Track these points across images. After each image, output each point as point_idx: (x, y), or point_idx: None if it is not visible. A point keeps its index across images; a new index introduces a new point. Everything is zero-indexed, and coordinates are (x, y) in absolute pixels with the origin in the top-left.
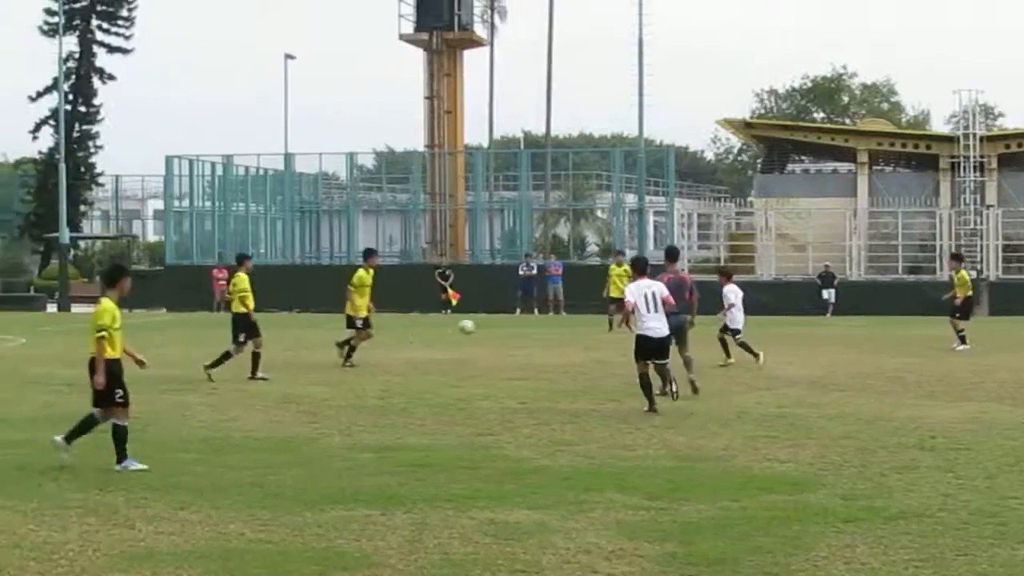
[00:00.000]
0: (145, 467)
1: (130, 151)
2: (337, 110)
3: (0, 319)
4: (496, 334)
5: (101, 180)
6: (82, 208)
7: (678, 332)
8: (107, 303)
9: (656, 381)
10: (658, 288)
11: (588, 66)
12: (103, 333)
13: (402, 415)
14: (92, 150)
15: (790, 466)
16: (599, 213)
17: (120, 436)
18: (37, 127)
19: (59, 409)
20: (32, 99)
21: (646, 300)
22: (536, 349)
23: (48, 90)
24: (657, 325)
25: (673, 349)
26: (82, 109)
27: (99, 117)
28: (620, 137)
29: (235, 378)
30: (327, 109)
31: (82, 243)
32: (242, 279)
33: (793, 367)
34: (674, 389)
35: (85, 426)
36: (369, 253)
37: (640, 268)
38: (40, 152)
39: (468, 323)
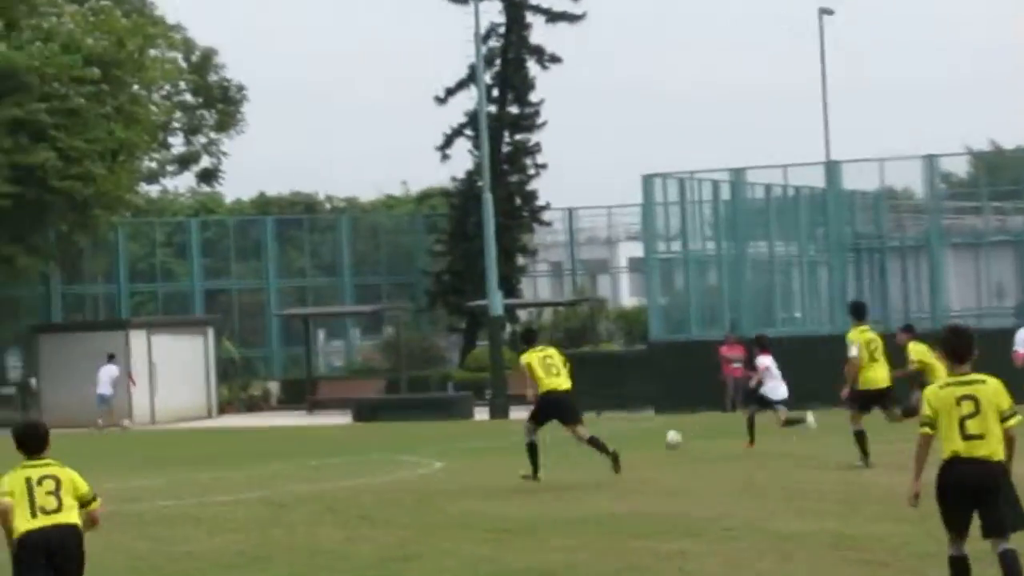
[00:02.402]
0: None
1: (588, 170)
2: (904, 87)
3: (407, 431)
4: None
5: (547, 216)
6: (520, 260)
7: None
8: None
9: None
10: None
11: None
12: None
13: None
14: (531, 171)
15: None
16: None
17: None
18: (447, 140)
19: (495, 566)
20: (440, 100)
21: None
22: None
23: (462, 85)
24: None
25: None
26: (513, 110)
27: (539, 121)
28: None
29: (758, 514)
30: (885, 89)
31: (522, 313)
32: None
33: None
34: None
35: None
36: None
37: None
38: (453, 178)
39: None
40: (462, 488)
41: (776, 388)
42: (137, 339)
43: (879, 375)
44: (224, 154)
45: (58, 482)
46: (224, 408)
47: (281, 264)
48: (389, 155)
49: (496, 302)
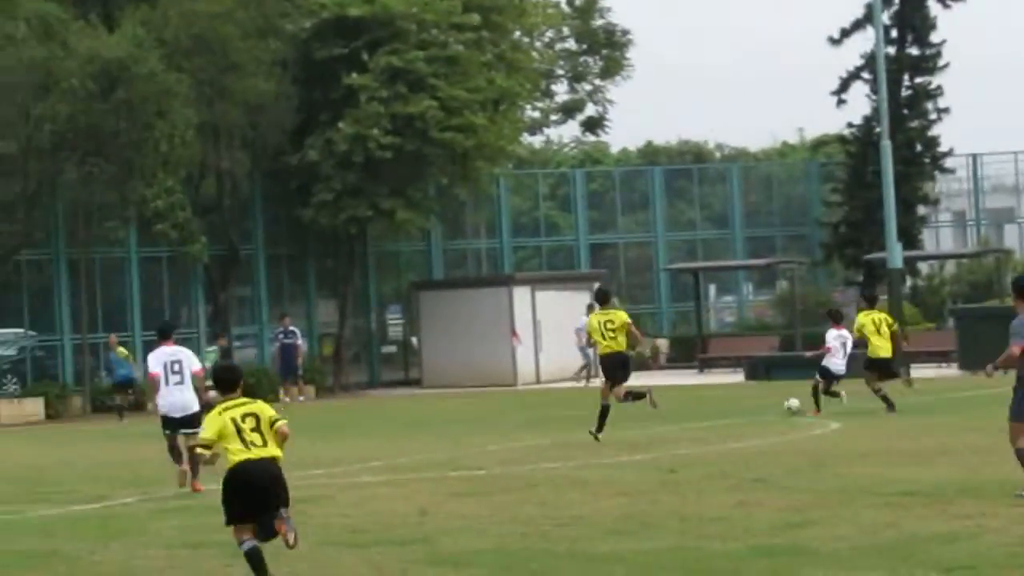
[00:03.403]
0: None
1: (994, 113)
2: None
3: (801, 391)
4: None
5: (949, 163)
6: (921, 210)
7: None
8: None
9: None
10: None
11: None
12: None
13: None
14: (933, 116)
15: None
16: None
17: None
18: (843, 85)
19: (896, 532)
20: (834, 41)
21: None
22: None
23: (858, 25)
24: None
25: None
26: (913, 51)
27: (941, 63)
28: None
29: None
30: None
31: (923, 266)
32: None
33: None
34: None
35: None
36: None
37: None
38: (850, 125)
39: None
40: (860, 451)
41: (838, 364)
42: (521, 296)
43: None
44: (609, 102)
45: (257, 419)
46: None
47: (669, 216)
48: (781, 101)
49: (895, 254)
